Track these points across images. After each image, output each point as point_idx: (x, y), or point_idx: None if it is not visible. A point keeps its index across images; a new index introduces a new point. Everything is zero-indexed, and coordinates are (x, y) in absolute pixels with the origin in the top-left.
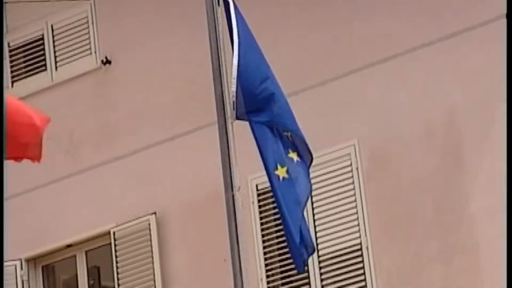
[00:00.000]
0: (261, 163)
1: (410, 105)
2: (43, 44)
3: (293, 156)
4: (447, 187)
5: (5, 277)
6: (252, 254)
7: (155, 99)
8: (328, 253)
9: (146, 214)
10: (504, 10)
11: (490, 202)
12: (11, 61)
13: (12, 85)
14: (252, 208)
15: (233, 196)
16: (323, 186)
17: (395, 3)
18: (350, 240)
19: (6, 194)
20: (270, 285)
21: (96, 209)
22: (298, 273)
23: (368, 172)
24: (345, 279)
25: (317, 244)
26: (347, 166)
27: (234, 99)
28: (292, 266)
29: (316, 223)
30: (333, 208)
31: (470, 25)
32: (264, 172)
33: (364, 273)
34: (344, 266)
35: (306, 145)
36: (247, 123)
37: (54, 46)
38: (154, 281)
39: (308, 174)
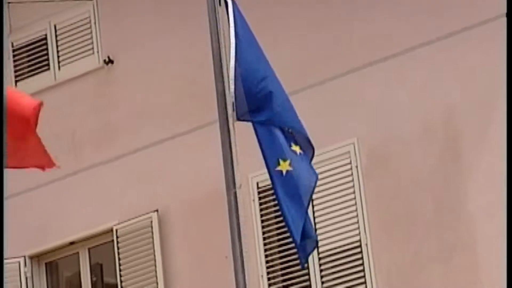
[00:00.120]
0: (261, 161)
1: (409, 104)
2: (46, 44)
3: (296, 149)
4: (446, 185)
5: (9, 273)
6: (253, 251)
7: (157, 98)
8: (328, 250)
9: (148, 211)
10: (502, 9)
11: (489, 200)
12: (14, 61)
13: (16, 84)
14: (252, 205)
15: (234, 194)
16: (323, 184)
17: (394, 3)
18: (349, 237)
19: (10, 192)
20: (271, 281)
21: (98, 207)
22: (298, 270)
23: (368, 170)
24: (344, 275)
25: (317, 241)
26: (347, 164)
27: (233, 100)
28: (293, 262)
29: (316, 220)
30: (332, 205)
31: (469, 25)
32: (265, 170)
33: (363, 270)
34: (344, 263)
35: (308, 140)
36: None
37: (57, 46)
38: (156, 278)
39: (311, 166)
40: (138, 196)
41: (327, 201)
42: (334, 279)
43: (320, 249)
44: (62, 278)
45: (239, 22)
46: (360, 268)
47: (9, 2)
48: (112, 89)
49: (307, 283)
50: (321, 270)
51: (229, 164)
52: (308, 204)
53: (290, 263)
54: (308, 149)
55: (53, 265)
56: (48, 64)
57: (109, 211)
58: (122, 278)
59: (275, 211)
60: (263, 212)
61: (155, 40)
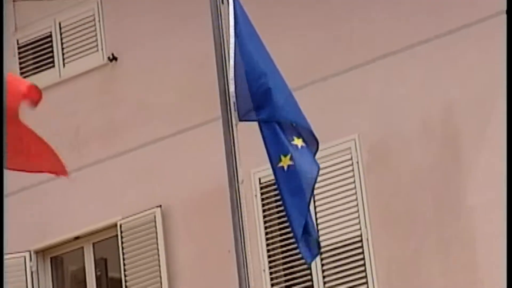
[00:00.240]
0: (263, 157)
1: (409, 101)
2: (51, 41)
3: (298, 142)
4: (445, 182)
5: (14, 268)
6: (255, 246)
7: (160, 95)
8: (330, 245)
9: (152, 207)
10: (501, 7)
11: (488, 197)
12: (20, 58)
13: None
14: (255, 200)
15: (236, 189)
16: (324, 180)
17: (394, 2)
18: (350, 232)
19: (15, 188)
20: (273, 275)
21: (103, 202)
22: (300, 264)
23: (368, 166)
24: (346, 269)
25: (318, 242)
26: (348, 160)
27: (234, 99)
28: (294, 257)
29: (318, 215)
30: (334, 200)
31: (468, 22)
32: (266, 166)
33: (364, 264)
34: (345, 257)
35: (312, 133)
36: None
37: (62, 43)
38: (160, 272)
39: (314, 158)
40: (141, 192)
41: (329, 196)
42: (335, 273)
43: (322, 244)
44: (67, 272)
45: (242, 19)
46: (361, 262)
47: (14, 0)
48: (116, 86)
49: (308, 277)
50: (322, 265)
51: (232, 160)
52: (310, 197)
53: (292, 258)
54: (312, 142)
55: (58, 259)
56: (53, 61)
57: (113, 206)
58: (126, 273)
59: (277, 206)
60: (265, 207)
61: (159, 38)
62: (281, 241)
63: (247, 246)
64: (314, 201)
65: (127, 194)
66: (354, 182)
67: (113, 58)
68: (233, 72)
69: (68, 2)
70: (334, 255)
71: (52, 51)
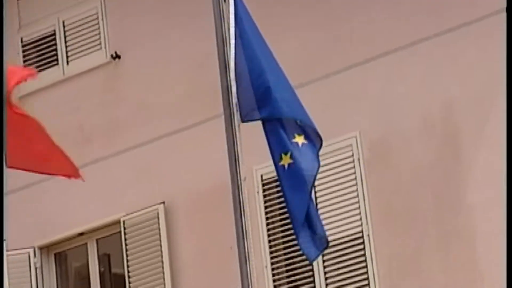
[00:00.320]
0: (265, 154)
1: (409, 99)
2: (54, 39)
3: (299, 140)
4: (445, 179)
5: (18, 264)
6: (257, 242)
7: (163, 93)
8: (331, 241)
9: (155, 203)
10: (501, 4)
11: (487, 193)
12: (24, 56)
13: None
14: (257, 197)
15: (239, 186)
16: (326, 176)
17: (394, 1)
18: (352, 228)
19: (19, 184)
20: (275, 271)
21: (106, 199)
22: (302, 260)
23: (369, 163)
24: (347, 265)
25: (326, 238)
26: (349, 157)
27: (236, 100)
28: (296, 253)
29: (319, 211)
30: (335, 197)
31: (468, 20)
32: (268, 163)
33: (365, 260)
34: (347, 253)
35: (315, 129)
36: None
37: (65, 42)
38: (163, 268)
39: (316, 155)
40: (145, 189)
41: (330, 192)
42: (337, 269)
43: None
44: (71, 268)
45: (244, 17)
46: (362, 258)
47: None
48: (119, 84)
49: (310, 273)
50: (324, 261)
51: (234, 157)
52: (310, 194)
53: (294, 254)
54: (316, 138)
55: (62, 255)
56: (56, 59)
57: (116, 203)
58: (129, 268)
59: (279, 203)
60: (267, 204)
61: (162, 36)
62: (283, 237)
63: (249, 242)
64: (316, 198)
65: (130, 191)
66: (355, 178)
67: (116, 56)
68: (234, 72)
69: (71, 0)
70: (336, 251)
71: (55, 49)
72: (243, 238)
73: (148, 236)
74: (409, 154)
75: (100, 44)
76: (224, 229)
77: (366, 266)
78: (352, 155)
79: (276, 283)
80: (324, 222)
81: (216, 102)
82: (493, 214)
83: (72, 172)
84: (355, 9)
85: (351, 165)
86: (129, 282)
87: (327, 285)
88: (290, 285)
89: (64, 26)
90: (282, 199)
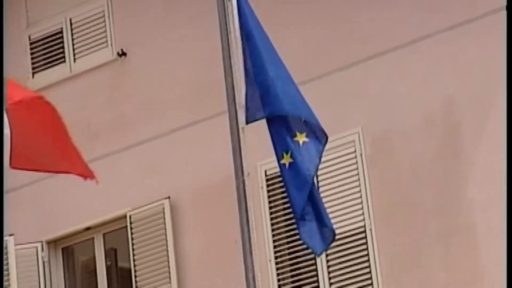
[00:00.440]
0: (269, 149)
1: (410, 96)
2: (62, 37)
3: (300, 138)
4: (446, 175)
5: (26, 258)
6: (261, 236)
7: (168, 90)
8: None
9: (161, 198)
10: (502, 2)
11: (488, 190)
12: (31, 53)
13: (33, 76)
14: (261, 192)
15: (243, 181)
16: (329, 172)
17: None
18: (354, 222)
19: (27, 180)
20: (279, 265)
21: (113, 194)
22: (305, 254)
23: (371, 158)
24: (350, 259)
25: (334, 231)
26: (352, 153)
27: (244, 102)
28: (300, 247)
29: None
30: (338, 192)
31: (468, 18)
32: (272, 158)
33: (368, 254)
34: (349, 247)
35: (319, 126)
36: None
37: (72, 39)
38: (168, 262)
39: (318, 152)
40: (151, 184)
41: (333, 187)
42: (339, 263)
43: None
44: (78, 262)
45: (249, 16)
46: (365, 252)
47: None
48: (126, 81)
49: (313, 267)
50: (327, 255)
51: (238, 153)
52: (308, 193)
53: (297, 248)
54: (321, 135)
55: (69, 250)
56: (64, 57)
57: (123, 198)
58: (136, 262)
59: (283, 198)
60: (271, 199)
61: (167, 33)
62: (286, 231)
63: (254, 237)
64: (319, 193)
65: (137, 186)
66: (357, 174)
67: (122, 54)
68: (240, 71)
69: None
70: (339, 245)
71: (63, 47)
72: (248, 233)
73: (154, 230)
74: (410, 151)
75: (106, 41)
76: (229, 223)
77: (368, 260)
78: (355, 151)
79: (280, 276)
80: None
81: (221, 99)
82: (493, 210)
83: (86, 172)
84: (356, 8)
85: (353, 160)
86: (135, 276)
87: (330, 278)
88: (294, 278)
89: (71, 24)
90: (285, 195)
